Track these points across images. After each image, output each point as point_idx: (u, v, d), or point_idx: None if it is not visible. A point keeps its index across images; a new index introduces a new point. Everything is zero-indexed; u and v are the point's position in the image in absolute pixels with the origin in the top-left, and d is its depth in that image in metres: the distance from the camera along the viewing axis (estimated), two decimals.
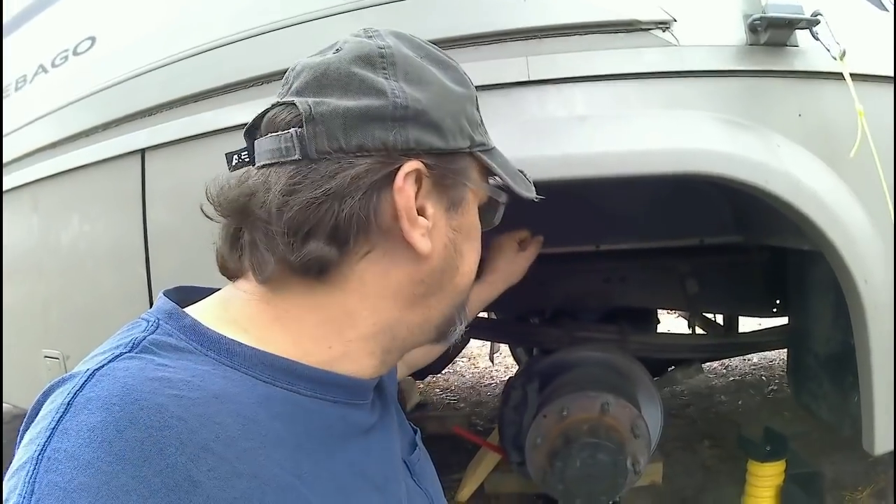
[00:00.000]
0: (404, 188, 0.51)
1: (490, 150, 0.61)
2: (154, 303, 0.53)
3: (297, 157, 0.49)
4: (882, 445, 1.07)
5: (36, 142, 1.30)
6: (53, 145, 1.27)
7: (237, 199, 0.52)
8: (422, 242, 0.53)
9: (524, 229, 1.12)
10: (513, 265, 1.11)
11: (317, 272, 0.51)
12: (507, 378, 3.58)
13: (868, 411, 1.07)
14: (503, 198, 0.62)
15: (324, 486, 0.48)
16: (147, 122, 1.13)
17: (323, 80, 0.51)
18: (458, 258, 0.59)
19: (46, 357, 1.31)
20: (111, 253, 1.18)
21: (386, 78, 0.51)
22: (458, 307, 0.62)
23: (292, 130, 0.49)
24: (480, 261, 0.64)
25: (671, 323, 3.59)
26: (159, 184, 1.12)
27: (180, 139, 1.09)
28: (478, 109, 0.61)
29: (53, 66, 1.30)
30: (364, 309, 0.54)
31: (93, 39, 1.25)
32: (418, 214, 0.53)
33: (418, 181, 0.52)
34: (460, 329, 0.63)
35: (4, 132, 1.38)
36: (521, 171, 0.66)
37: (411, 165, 0.51)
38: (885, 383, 1.05)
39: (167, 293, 0.53)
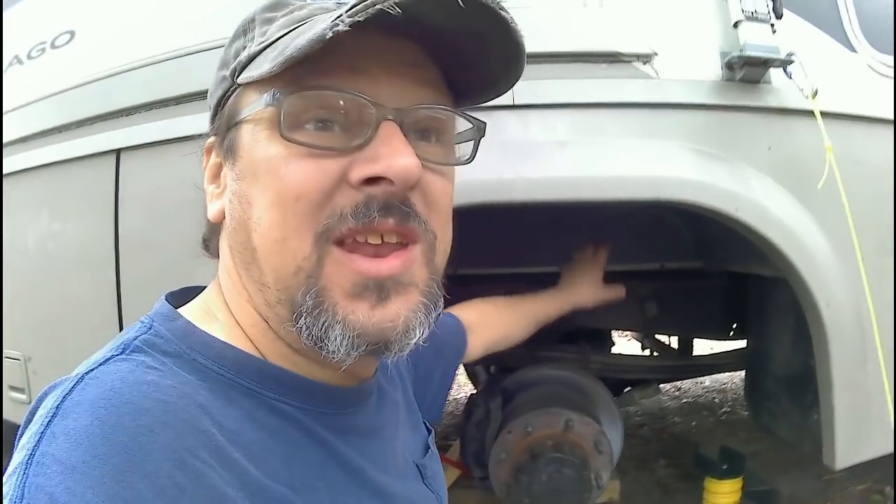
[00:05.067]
0: (204, 163, 0.55)
1: (257, 55, 0.48)
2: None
3: None
4: (844, 460, 1.12)
5: (6, 135, 1.26)
6: (24, 140, 1.23)
7: None
8: (209, 209, 0.54)
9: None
10: (590, 292, 1.21)
11: (205, 248, 0.57)
12: (459, 396, 3.59)
13: (829, 428, 1.12)
14: (275, 96, 0.45)
15: (319, 496, 0.48)
16: (125, 121, 1.11)
17: None
18: (246, 208, 0.48)
19: (7, 358, 1.27)
20: (80, 254, 1.15)
21: None
22: (289, 283, 0.46)
23: None
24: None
25: (623, 345, 3.63)
26: (134, 186, 1.10)
27: (158, 141, 1.07)
28: (256, 25, 0.50)
29: (29, 57, 1.26)
30: (230, 277, 0.53)
31: (72, 33, 1.22)
32: (212, 183, 0.54)
33: (211, 152, 0.54)
34: (332, 348, 0.45)
35: None
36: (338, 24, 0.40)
37: (207, 141, 0.55)
38: (845, 401, 1.10)
39: (168, 296, 0.53)
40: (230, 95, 0.50)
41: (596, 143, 0.98)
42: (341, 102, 0.45)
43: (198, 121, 1.03)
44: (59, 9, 1.29)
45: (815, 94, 0.98)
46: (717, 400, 3.48)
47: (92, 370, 0.42)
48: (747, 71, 1.00)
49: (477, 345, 0.96)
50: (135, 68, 1.11)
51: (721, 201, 0.99)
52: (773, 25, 1.01)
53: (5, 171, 1.25)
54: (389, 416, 0.62)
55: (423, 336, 0.48)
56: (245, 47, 0.49)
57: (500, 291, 1.12)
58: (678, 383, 3.69)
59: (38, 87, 1.22)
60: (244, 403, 0.46)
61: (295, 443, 0.48)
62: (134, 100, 1.10)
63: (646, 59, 0.99)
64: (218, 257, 0.56)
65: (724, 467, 1.70)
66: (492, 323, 1.03)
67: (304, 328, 0.45)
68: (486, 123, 0.53)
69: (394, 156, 0.44)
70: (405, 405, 0.68)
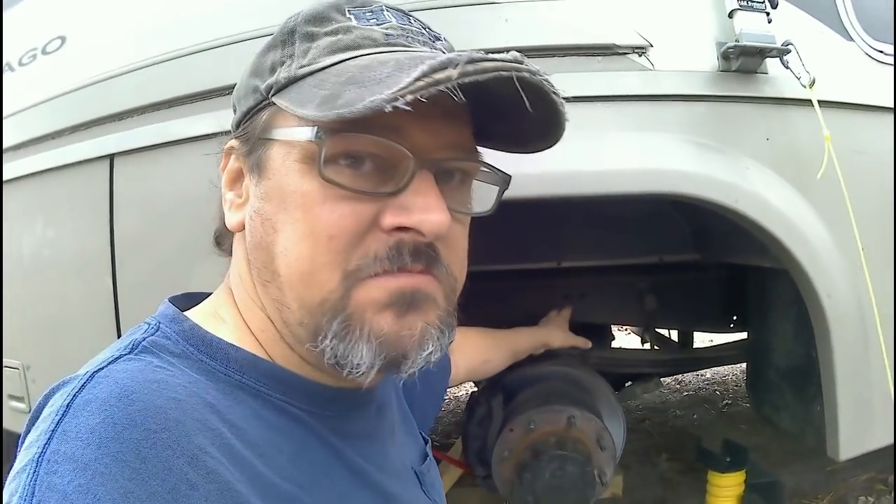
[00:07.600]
0: (223, 164, 0.55)
1: (299, 80, 0.47)
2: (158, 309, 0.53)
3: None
4: (847, 451, 1.12)
5: None
6: (17, 147, 1.22)
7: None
8: (229, 217, 0.53)
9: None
10: (560, 338, 1.35)
11: (217, 245, 0.58)
12: (459, 394, 3.59)
13: (832, 420, 1.11)
14: (317, 135, 0.45)
15: (325, 494, 0.48)
16: (117, 126, 1.10)
17: None
18: (270, 232, 0.48)
19: (6, 367, 1.26)
20: (76, 261, 1.14)
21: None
22: (313, 311, 0.47)
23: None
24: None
25: (623, 339, 3.63)
26: (128, 191, 1.09)
27: (151, 146, 1.06)
28: (296, 38, 0.49)
29: (20, 64, 1.25)
30: (242, 282, 0.53)
31: (63, 39, 1.21)
32: (232, 189, 0.54)
33: (231, 155, 0.54)
34: (357, 362, 0.46)
35: None
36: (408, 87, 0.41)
37: (228, 142, 0.54)
38: (848, 392, 1.09)
39: (172, 299, 0.53)
40: (261, 108, 0.50)
41: (592, 136, 0.97)
42: (380, 148, 0.46)
43: (192, 124, 1.04)
44: (50, 14, 1.28)
45: (813, 83, 0.98)
46: (718, 392, 3.48)
47: (101, 368, 0.42)
48: (744, 61, 0.99)
49: (460, 365, 0.99)
50: (126, 72, 1.10)
51: (720, 193, 0.98)
52: (768, 14, 1.01)
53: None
54: (389, 422, 0.63)
55: (436, 357, 0.49)
56: (283, 63, 0.49)
57: (499, 288, 1.11)
58: (679, 377, 3.69)
59: (31, 93, 1.21)
60: (251, 403, 0.47)
61: (301, 442, 0.48)
62: (126, 104, 1.09)
63: (641, 50, 0.98)
64: (229, 255, 0.57)
65: (727, 460, 1.69)
66: (472, 345, 1.06)
67: (328, 349, 0.46)
68: (510, 177, 0.54)
69: (428, 211, 0.45)
70: (400, 414, 0.69)
